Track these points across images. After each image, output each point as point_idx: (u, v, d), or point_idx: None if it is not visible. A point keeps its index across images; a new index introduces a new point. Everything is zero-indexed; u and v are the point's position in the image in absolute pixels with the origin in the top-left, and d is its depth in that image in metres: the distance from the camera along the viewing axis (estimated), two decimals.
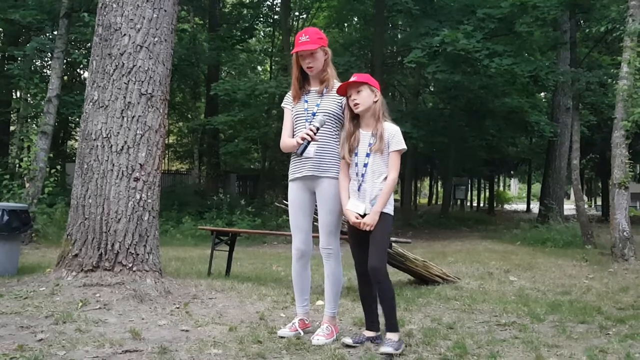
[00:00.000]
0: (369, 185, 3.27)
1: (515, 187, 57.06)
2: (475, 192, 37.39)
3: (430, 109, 22.64)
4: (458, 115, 19.98)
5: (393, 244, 5.22)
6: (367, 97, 3.29)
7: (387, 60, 20.10)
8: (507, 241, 12.66)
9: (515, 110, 17.92)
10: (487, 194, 33.99)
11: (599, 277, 6.86)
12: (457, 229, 18.63)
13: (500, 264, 7.85)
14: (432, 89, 23.52)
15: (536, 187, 33.54)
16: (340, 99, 3.42)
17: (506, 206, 36.60)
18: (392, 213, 3.31)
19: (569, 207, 20.70)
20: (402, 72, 21.92)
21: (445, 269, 6.39)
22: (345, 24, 22.90)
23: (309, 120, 3.39)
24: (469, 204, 34.62)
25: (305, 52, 3.37)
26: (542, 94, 21.51)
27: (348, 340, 3.31)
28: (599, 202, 29.36)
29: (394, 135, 3.30)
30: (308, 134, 3.29)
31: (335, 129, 3.43)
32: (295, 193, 3.52)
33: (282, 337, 3.41)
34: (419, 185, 37.75)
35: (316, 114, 3.39)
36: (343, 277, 3.71)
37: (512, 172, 36.02)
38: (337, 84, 3.45)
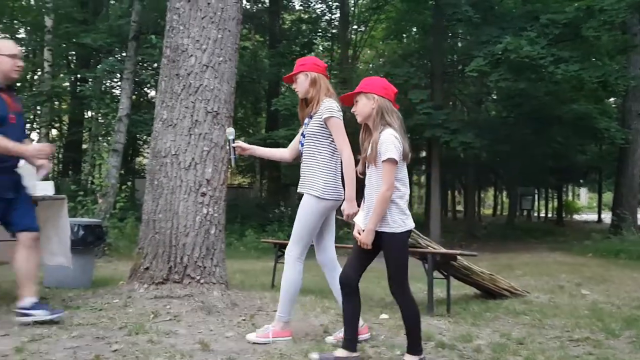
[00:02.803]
0: (367, 198, 3.17)
1: (584, 196, 54.86)
2: (542, 202, 36.20)
3: (493, 118, 22.17)
4: (522, 123, 19.45)
5: (458, 257, 5.13)
6: (363, 106, 3.16)
7: (447, 70, 19.87)
8: (578, 253, 12.19)
9: (583, 116, 17.30)
10: (555, 203, 32.84)
11: None
12: (524, 240, 18.07)
13: (571, 277, 7.56)
14: (495, 97, 23.03)
15: (607, 196, 32.09)
16: (321, 119, 3.56)
17: (575, 216, 35.27)
18: (398, 231, 3.04)
19: None
20: (463, 81, 21.60)
21: (513, 282, 6.21)
22: (404, 35, 22.80)
23: (301, 142, 3.69)
24: (535, 214, 33.56)
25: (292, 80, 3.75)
26: (612, 99, 20.66)
27: (314, 356, 3.20)
28: None
29: (382, 143, 3.03)
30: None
31: (319, 148, 3.59)
32: None
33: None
34: (482, 195, 36.91)
35: (305, 135, 3.66)
36: (297, 286, 3.63)
37: (581, 181, 34.67)
38: (326, 102, 3.58)
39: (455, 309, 4.97)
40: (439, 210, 18.80)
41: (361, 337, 3.52)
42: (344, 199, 3.53)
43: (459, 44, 21.76)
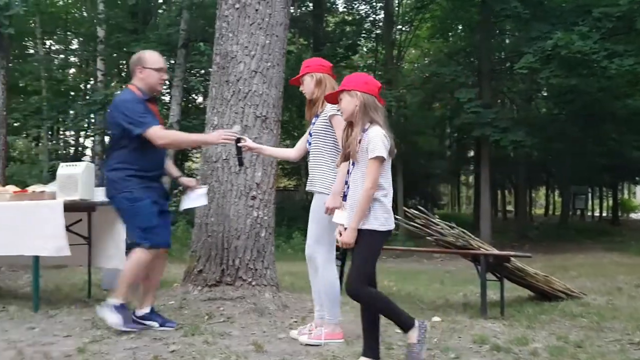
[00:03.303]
0: (350, 196, 3.10)
1: None
2: (596, 201, 35.05)
3: (544, 115, 21.66)
4: (574, 120, 18.93)
5: (512, 259, 5.03)
6: (347, 104, 3.09)
7: (495, 67, 19.51)
8: (636, 253, 11.76)
9: (638, 112, 16.68)
10: (610, 202, 31.76)
11: None
12: (578, 240, 17.55)
13: (630, 278, 7.30)
14: (545, 94, 22.47)
15: None
16: (326, 118, 3.61)
17: (632, 215, 34.00)
18: (380, 229, 2.96)
19: None
20: (512, 78, 21.15)
21: (569, 283, 6.05)
22: (450, 33, 22.52)
23: (309, 142, 3.72)
24: (589, 213, 32.54)
25: (299, 81, 3.76)
26: None
27: None
28: None
29: (370, 140, 2.96)
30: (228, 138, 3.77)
31: (325, 146, 3.64)
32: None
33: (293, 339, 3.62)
34: (533, 195, 36.03)
35: (312, 134, 3.68)
36: (336, 286, 3.66)
37: (637, 178, 33.37)
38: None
39: (509, 311, 4.88)
40: (489, 211, 18.48)
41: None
42: None
43: (507, 41, 21.33)
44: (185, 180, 4.24)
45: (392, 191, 3.07)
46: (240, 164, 3.97)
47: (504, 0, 15.17)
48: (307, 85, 3.74)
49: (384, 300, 3.08)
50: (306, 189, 3.75)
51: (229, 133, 3.86)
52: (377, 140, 2.94)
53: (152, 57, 3.97)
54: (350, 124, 3.11)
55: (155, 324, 3.94)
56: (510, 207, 34.60)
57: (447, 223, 5.18)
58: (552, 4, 15.89)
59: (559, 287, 5.65)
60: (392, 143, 3.01)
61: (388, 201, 3.02)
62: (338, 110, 3.52)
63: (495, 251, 5.14)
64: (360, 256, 3.01)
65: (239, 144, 3.79)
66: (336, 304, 3.66)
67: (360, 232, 2.99)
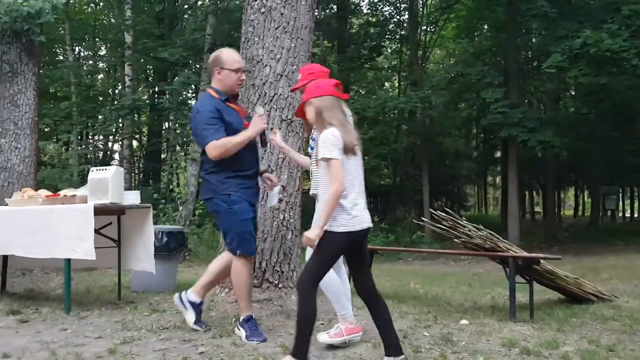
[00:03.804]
0: (319, 198, 3.16)
1: None
2: (627, 202, 34.32)
3: (573, 115, 21.32)
4: (604, 119, 18.60)
5: (541, 261, 4.96)
6: (309, 115, 3.16)
7: (523, 67, 19.27)
8: None
9: None
10: None
11: None
12: (609, 242, 17.20)
13: None
14: (574, 93, 22.12)
15: None
16: None
17: None
18: (336, 230, 2.96)
19: None
20: (539, 78, 20.87)
21: (600, 286, 5.94)
22: (475, 33, 22.32)
23: (311, 147, 3.69)
24: (620, 214, 31.88)
25: (300, 89, 3.72)
26: None
27: None
28: None
29: (317, 144, 3.04)
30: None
31: None
32: None
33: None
34: (562, 196, 35.46)
35: (314, 139, 3.61)
36: (336, 284, 3.64)
37: None
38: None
39: (538, 314, 4.81)
40: (517, 212, 18.25)
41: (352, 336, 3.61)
42: None
43: (534, 40, 21.06)
44: (269, 176, 4.18)
45: (356, 191, 3.04)
46: (264, 143, 4.01)
47: None
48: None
49: (310, 314, 3.01)
50: (310, 192, 3.74)
51: (261, 118, 3.88)
52: (322, 143, 2.97)
53: (229, 58, 3.92)
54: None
55: (192, 316, 3.98)
56: (538, 209, 34.12)
57: (474, 225, 5.13)
58: (579, 3, 15.66)
59: (589, 289, 5.55)
60: (348, 140, 3.00)
61: (347, 202, 2.98)
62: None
63: (524, 253, 5.07)
64: (315, 255, 3.03)
65: (270, 127, 3.89)
66: (342, 298, 3.65)
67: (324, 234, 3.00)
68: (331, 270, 3.54)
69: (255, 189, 3.96)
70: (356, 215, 3.00)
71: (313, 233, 2.96)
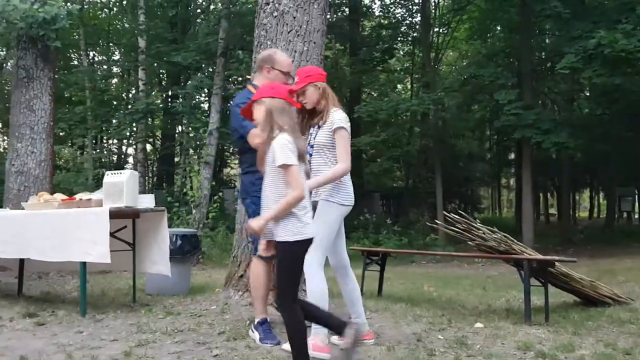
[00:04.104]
0: (265, 205, 2.99)
1: None
2: None
3: (587, 116, 21.12)
4: (619, 120, 18.42)
5: (556, 264, 4.92)
6: (257, 113, 3.05)
7: (536, 68, 19.14)
8: None
9: None
10: None
11: None
12: (625, 244, 16.99)
13: None
14: (588, 94, 21.93)
15: None
16: (331, 130, 3.58)
17: None
18: (293, 239, 2.86)
19: None
20: (553, 79, 20.71)
21: (616, 289, 5.87)
22: (488, 34, 22.22)
23: (309, 153, 3.59)
24: (637, 216, 31.49)
25: (298, 92, 3.61)
26: None
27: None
28: None
29: (274, 151, 2.89)
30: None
31: (326, 157, 3.62)
32: None
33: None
34: (577, 197, 35.13)
35: (313, 145, 3.62)
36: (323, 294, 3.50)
37: None
38: (336, 113, 3.61)
39: (554, 317, 4.77)
40: (532, 214, 18.11)
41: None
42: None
43: (547, 41, 20.91)
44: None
45: (306, 200, 2.94)
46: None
47: (543, 0, 14.90)
48: (311, 96, 3.63)
49: (300, 329, 2.92)
50: (312, 199, 3.57)
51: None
52: (279, 149, 2.86)
53: (282, 60, 3.93)
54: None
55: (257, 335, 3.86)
56: (553, 211, 33.82)
57: (488, 227, 5.10)
58: (593, 3, 15.54)
59: (605, 292, 5.50)
60: (299, 147, 2.94)
61: (300, 210, 2.89)
62: (347, 122, 3.54)
63: (539, 256, 5.04)
64: (281, 272, 2.94)
65: None
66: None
67: (276, 245, 2.94)
68: (321, 276, 3.47)
69: None
70: (307, 223, 2.93)
71: (257, 223, 2.90)
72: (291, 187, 2.86)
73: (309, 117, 3.71)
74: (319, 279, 3.50)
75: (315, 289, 3.48)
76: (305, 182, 3.01)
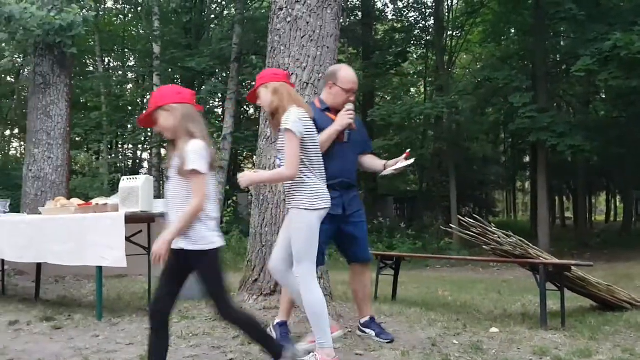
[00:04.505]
0: (172, 214, 2.83)
1: None
2: None
3: (603, 118, 20.91)
4: (636, 122, 18.21)
5: (573, 268, 4.87)
6: (165, 121, 2.84)
7: (551, 70, 19.02)
8: None
9: None
10: None
11: None
12: None
13: None
14: (604, 97, 21.72)
15: None
16: (283, 128, 3.27)
17: None
18: (208, 248, 2.75)
19: None
20: (569, 81, 20.56)
21: (633, 293, 5.80)
22: (502, 37, 22.12)
23: (278, 157, 3.41)
24: None
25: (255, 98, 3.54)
26: None
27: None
28: None
29: (187, 154, 2.72)
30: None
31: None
32: None
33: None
34: (593, 201, 34.78)
35: (279, 150, 3.40)
36: (321, 305, 3.29)
37: None
38: (288, 112, 3.28)
39: (570, 322, 4.72)
40: (547, 218, 17.96)
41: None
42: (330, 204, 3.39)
43: (562, 43, 20.77)
44: (391, 162, 4.12)
45: (214, 207, 2.84)
46: (342, 139, 3.85)
47: (558, 2, 14.80)
48: (264, 97, 3.43)
49: (257, 323, 2.93)
50: (287, 206, 3.52)
51: (347, 113, 3.82)
52: (192, 154, 2.71)
53: (345, 77, 3.86)
54: (172, 141, 2.88)
55: (372, 333, 4.04)
56: (569, 214, 33.49)
57: (503, 231, 5.07)
58: (609, 4, 15.40)
59: (623, 296, 5.43)
60: (212, 154, 2.82)
61: (209, 220, 2.79)
62: (294, 122, 3.22)
63: (555, 260, 4.99)
64: (208, 282, 2.80)
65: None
66: (323, 323, 3.27)
67: (189, 255, 2.78)
68: (316, 287, 3.30)
69: (336, 200, 3.68)
70: (217, 233, 2.83)
71: (161, 247, 2.73)
72: (193, 195, 2.72)
73: (272, 121, 3.48)
74: (314, 289, 3.29)
75: (313, 301, 3.29)
76: (212, 194, 2.83)
